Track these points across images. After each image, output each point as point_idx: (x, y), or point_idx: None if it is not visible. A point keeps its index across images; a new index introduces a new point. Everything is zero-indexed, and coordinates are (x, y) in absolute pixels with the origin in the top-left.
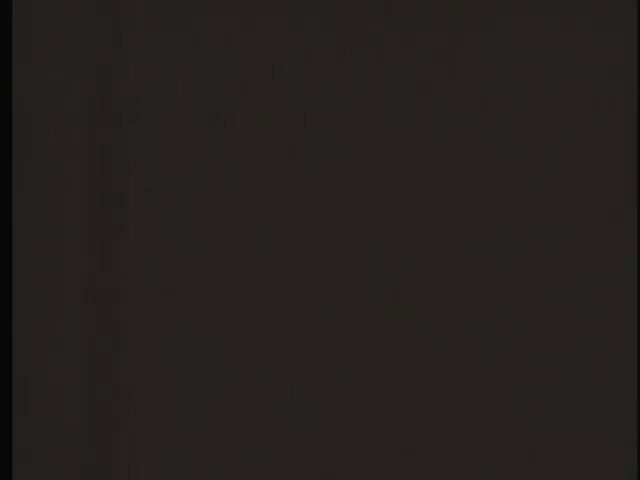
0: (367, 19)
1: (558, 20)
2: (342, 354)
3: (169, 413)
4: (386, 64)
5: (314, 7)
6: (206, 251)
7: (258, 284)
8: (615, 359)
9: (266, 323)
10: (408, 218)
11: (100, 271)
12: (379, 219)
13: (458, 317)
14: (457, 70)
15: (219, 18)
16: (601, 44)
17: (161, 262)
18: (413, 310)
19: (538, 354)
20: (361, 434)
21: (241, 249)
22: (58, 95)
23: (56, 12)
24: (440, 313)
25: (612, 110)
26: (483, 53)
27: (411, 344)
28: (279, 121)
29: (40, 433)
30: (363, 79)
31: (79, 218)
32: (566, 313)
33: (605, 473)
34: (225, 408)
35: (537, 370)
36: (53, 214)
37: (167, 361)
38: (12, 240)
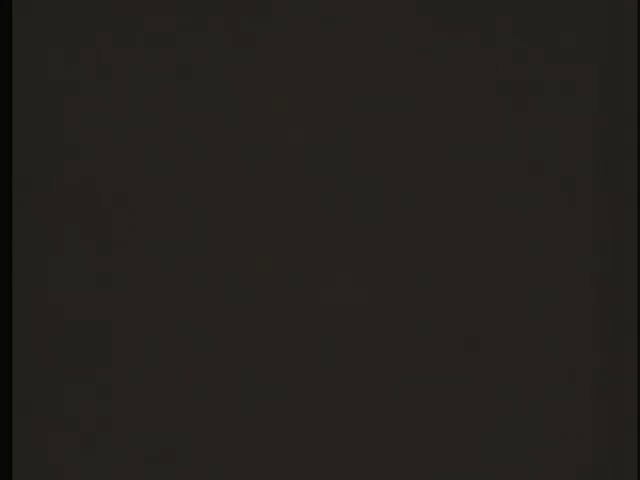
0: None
1: (559, 18)
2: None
3: (167, 411)
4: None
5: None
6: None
7: (253, 278)
8: (616, 359)
9: (254, 322)
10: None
11: (100, 271)
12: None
13: (447, 315)
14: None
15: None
16: (601, 44)
17: (160, 264)
18: (390, 311)
19: (537, 353)
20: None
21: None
22: (58, 94)
23: (56, 12)
24: (425, 312)
25: (612, 109)
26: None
27: (385, 347)
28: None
29: (40, 430)
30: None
31: (79, 218)
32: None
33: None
34: (214, 408)
35: (534, 371)
36: (53, 214)
37: (162, 358)
38: (12, 240)
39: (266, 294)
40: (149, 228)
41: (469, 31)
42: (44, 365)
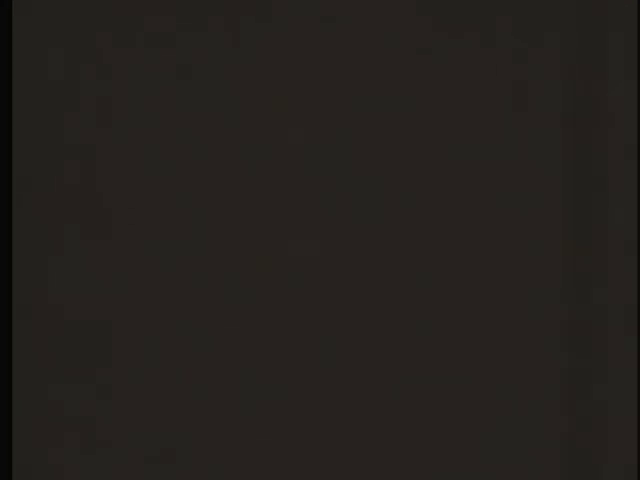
0: None
1: (559, 18)
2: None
3: (167, 411)
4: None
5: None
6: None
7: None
8: (616, 358)
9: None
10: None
11: (100, 271)
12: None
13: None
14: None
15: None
16: (601, 44)
17: (160, 264)
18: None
19: (543, 356)
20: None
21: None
22: (58, 94)
23: (56, 12)
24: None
25: (612, 108)
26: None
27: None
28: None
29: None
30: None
31: (79, 218)
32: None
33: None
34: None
35: (537, 373)
36: (53, 214)
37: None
38: (12, 240)
39: (266, 294)
40: (149, 228)
41: (469, 31)
42: (44, 365)
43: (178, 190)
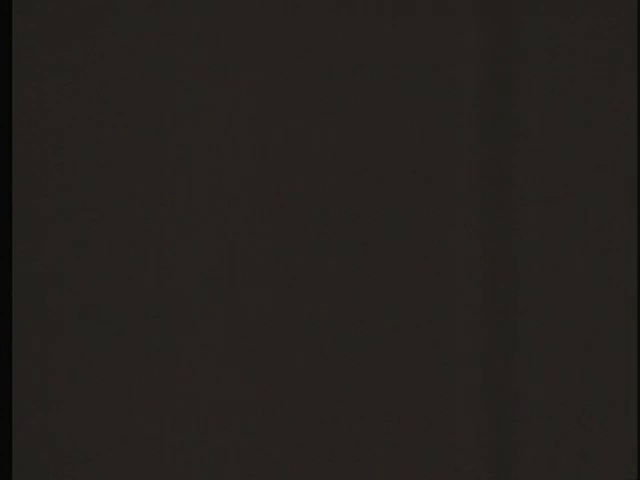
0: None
1: (558, 19)
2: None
3: (167, 411)
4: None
5: None
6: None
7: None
8: (613, 358)
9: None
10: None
11: (100, 271)
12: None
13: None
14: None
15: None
16: (600, 44)
17: (160, 263)
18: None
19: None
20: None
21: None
22: (58, 94)
23: (56, 12)
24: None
25: (612, 109)
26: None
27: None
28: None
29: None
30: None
31: (79, 218)
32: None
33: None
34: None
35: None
36: (53, 214)
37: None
38: (12, 240)
39: (266, 294)
40: (149, 228)
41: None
42: (44, 365)
43: (178, 190)
